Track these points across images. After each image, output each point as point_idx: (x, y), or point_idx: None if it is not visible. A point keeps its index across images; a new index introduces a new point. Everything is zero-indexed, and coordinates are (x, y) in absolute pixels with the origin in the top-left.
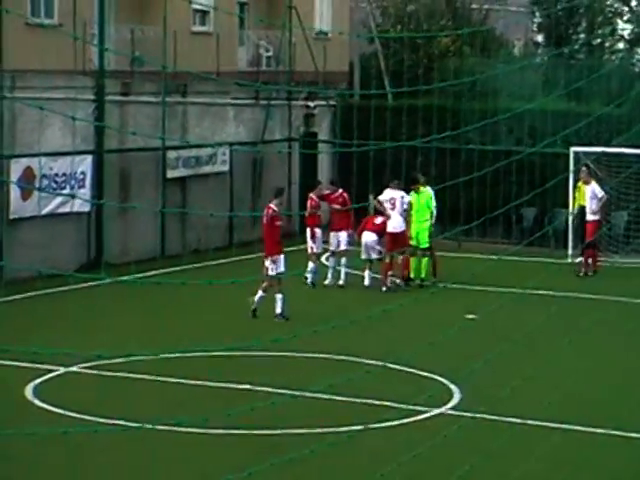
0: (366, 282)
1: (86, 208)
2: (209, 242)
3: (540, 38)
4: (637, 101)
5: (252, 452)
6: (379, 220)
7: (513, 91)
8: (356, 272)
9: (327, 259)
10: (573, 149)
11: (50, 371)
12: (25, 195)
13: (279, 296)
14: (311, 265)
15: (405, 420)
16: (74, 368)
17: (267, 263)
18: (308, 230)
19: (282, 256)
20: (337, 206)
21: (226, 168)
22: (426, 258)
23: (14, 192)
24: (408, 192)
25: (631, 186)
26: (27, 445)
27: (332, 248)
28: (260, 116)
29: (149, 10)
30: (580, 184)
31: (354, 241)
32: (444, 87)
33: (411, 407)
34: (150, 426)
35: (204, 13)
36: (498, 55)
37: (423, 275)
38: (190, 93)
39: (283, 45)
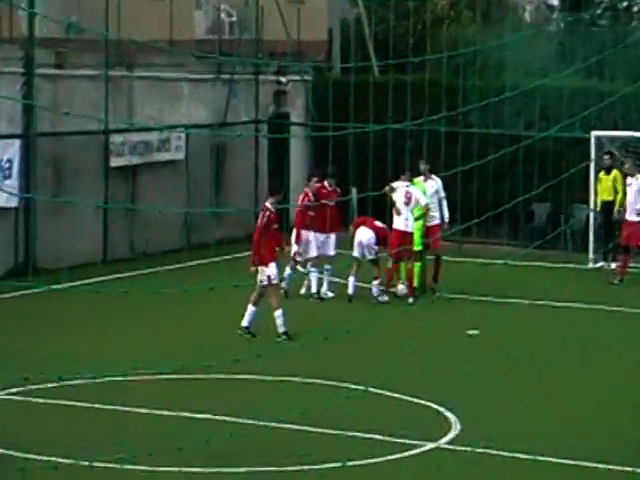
0: (350, 290)
1: (13, 203)
2: (161, 244)
3: (555, 1)
4: None
5: None
6: (380, 224)
7: (522, 65)
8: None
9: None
10: (594, 133)
11: None
12: None
13: (279, 312)
14: (288, 271)
15: (392, 456)
16: None
17: (268, 271)
18: (294, 231)
19: (274, 264)
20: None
21: (181, 156)
22: (419, 263)
23: None
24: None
25: None
26: None
27: (313, 254)
28: (222, 94)
29: None
30: (601, 175)
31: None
32: (439, 59)
33: (399, 440)
34: (87, 463)
35: None
36: (504, 22)
37: (416, 283)
38: (138, 66)
39: (249, 9)
